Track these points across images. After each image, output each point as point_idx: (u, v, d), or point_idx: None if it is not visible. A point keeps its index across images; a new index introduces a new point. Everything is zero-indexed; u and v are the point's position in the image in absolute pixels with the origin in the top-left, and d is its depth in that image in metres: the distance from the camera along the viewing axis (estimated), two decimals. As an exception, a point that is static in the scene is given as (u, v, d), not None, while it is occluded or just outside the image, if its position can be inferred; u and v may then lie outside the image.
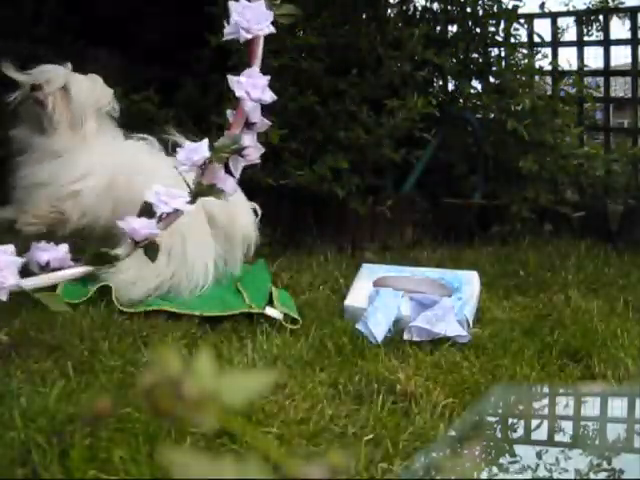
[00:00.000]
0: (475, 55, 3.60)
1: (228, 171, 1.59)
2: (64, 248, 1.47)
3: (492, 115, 3.49)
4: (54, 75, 1.83)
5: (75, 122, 1.83)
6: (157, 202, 1.45)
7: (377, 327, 1.68)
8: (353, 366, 1.46)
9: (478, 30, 3.59)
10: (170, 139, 1.98)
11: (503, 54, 3.64)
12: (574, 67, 3.96)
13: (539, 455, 0.87)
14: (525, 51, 3.66)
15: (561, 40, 4.19)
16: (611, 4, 3.97)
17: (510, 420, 1.01)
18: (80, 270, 1.49)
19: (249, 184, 3.05)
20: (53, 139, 1.84)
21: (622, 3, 3.95)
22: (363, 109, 3.03)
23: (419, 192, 3.41)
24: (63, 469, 0.98)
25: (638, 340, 1.70)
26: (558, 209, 3.43)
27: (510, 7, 3.54)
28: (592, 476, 0.80)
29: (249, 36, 1.60)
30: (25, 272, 1.40)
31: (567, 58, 3.95)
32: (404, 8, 3.63)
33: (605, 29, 3.97)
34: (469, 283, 2.05)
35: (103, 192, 1.87)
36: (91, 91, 1.85)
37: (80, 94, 1.83)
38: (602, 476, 0.80)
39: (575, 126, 3.53)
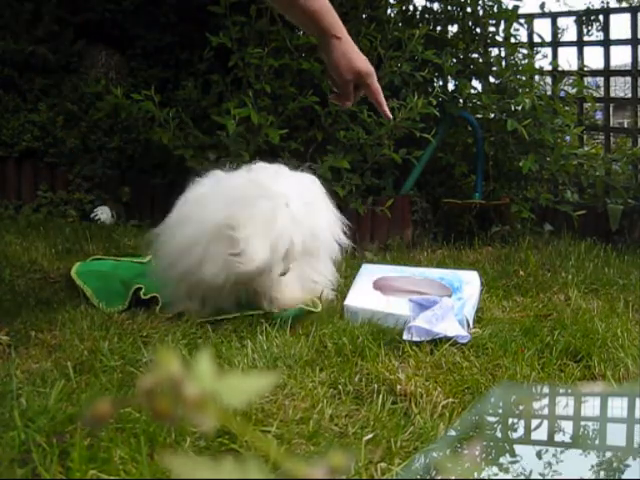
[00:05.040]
0: (475, 55, 3.60)
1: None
2: None
3: (492, 115, 3.49)
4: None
5: None
6: None
7: None
8: (353, 366, 1.46)
9: (478, 30, 3.59)
10: None
11: (503, 54, 3.64)
12: (574, 67, 3.96)
13: (539, 455, 0.87)
14: (525, 51, 3.66)
15: (561, 40, 4.20)
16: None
17: (510, 420, 1.01)
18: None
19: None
20: None
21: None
22: (363, 109, 3.04)
23: (419, 192, 3.41)
24: (63, 469, 0.98)
25: (638, 340, 1.70)
26: (558, 209, 3.43)
27: (510, 7, 3.54)
28: (592, 476, 0.80)
29: None
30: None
31: (567, 58, 3.96)
32: (404, 8, 3.64)
33: (605, 29, 3.97)
34: (469, 283, 2.05)
35: None
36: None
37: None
38: (602, 476, 0.80)
39: (575, 126, 3.53)
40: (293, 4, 1.70)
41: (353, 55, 1.73)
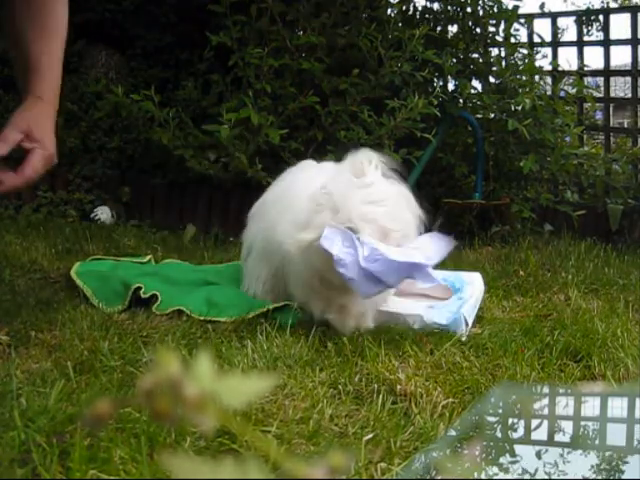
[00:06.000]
0: (475, 55, 3.60)
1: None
2: None
3: (492, 115, 3.49)
4: None
5: None
6: None
7: None
8: (353, 366, 1.46)
9: (478, 30, 3.59)
10: None
11: (503, 54, 3.64)
12: (574, 67, 3.96)
13: (539, 455, 0.87)
14: (525, 51, 3.66)
15: (561, 40, 4.19)
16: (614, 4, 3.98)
17: (510, 420, 1.01)
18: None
19: (250, 184, 3.06)
20: None
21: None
22: (364, 109, 3.04)
23: (419, 192, 3.41)
24: (63, 469, 0.98)
25: (638, 340, 1.70)
26: (558, 209, 3.43)
27: (510, 7, 3.54)
28: (592, 476, 0.80)
29: None
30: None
31: (567, 58, 3.96)
32: (404, 8, 3.64)
33: (605, 29, 3.97)
34: (471, 284, 2.05)
35: None
36: None
37: None
38: (602, 476, 0.80)
39: (575, 126, 3.53)
40: (18, 42, 1.48)
41: (39, 119, 1.48)
